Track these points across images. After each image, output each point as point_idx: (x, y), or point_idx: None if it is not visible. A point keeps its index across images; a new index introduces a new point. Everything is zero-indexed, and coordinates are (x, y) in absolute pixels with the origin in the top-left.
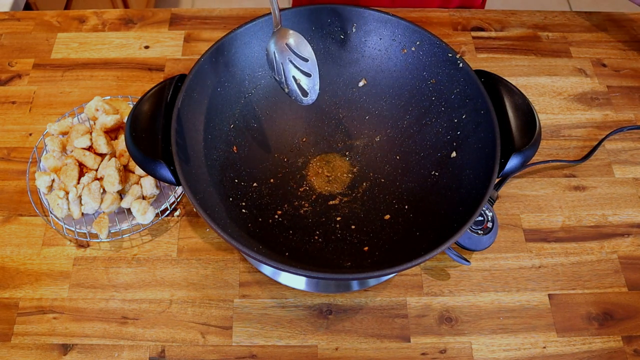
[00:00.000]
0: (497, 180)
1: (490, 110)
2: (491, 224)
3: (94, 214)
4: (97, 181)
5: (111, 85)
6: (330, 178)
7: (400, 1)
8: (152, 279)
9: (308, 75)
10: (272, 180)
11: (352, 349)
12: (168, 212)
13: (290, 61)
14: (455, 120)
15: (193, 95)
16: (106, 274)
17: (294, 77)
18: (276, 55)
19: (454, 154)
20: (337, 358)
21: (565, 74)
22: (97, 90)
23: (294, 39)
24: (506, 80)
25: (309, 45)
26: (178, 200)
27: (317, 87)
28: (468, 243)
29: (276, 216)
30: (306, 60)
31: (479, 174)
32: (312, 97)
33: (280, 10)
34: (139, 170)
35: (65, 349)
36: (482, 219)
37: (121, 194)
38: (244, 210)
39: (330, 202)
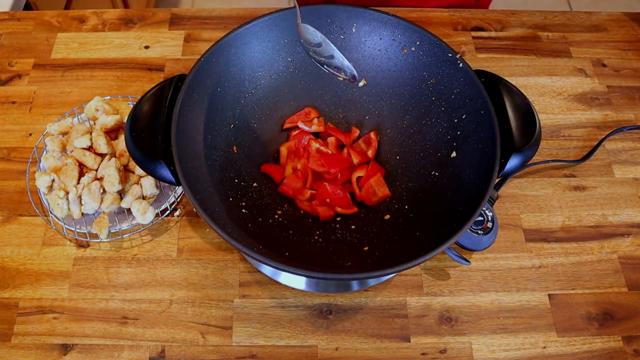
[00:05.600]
0: (497, 180)
1: (490, 110)
2: (491, 224)
3: (94, 214)
4: (97, 181)
5: (111, 85)
6: None
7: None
8: (152, 279)
9: (330, 57)
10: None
11: (352, 349)
12: (168, 212)
13: (310, 53)
14: (455, 120)
15: (193, 95)
16: (106, 274)
17: (323, 63)
18: (306, 52)
19: (454, 154)
20: (337, 358)
21: (565, 74)
22: (97, 90)
23: (304, 32)
24: (506, 80)
25: (316, 31)
26: (178, 200)
27: (346, 62)
28: (468, 243)
29: (276, 216)
30: (320, 45)
31: (479, 174)
32: (348, 73)
33: (281, 10)
34: (139, 170)
35: (65, 349)
36: (482, 219)
37: (121, 194)
38: (244, 210)
39: None
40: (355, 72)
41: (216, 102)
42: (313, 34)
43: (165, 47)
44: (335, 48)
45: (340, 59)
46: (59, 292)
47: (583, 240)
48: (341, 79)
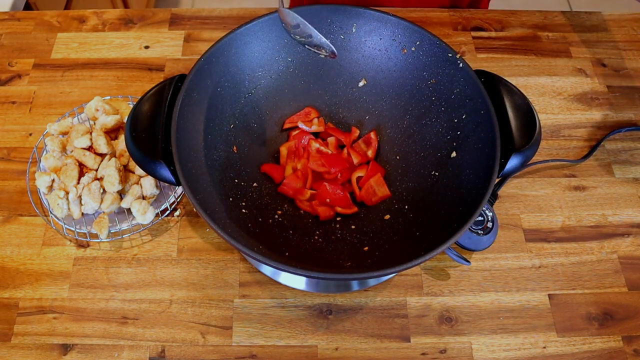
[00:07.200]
0: (497, 180)
1: (490, 110)
2: (491, 224)
3: (94, 214)
4: (97, 181)
5: (111, 85)
6: None
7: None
8: (152, 279)
9: (309, 36)
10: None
11: (352, 349)
12: (168, 212)
13: (292, 35)
14: (455, 120)
15: (193, 95)
16: (106, 274)
17: (304, 43)
18: (289, 34)
19: (454, 154)
20: (337, 358)
21: (565, 74)
22: (97, 90)
23: (284, 16)
24: (506, 80)
25: (294, 14)
26: (178, 200)
27: (323, 39)
28: (468, 243)
29: (276, 216)
30: (298, 26)
31: (479, 174)
32: (327, 49)
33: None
34: (139, 170)
35: (65, 349)
36: (482, 219)
37: (121, 194)
38: (244, 210)
39: None
40: (333, 48)
41: (216, 102)
42: (292, 16)
43: (165, 47)
44: (312, 28)
45: (318, 37)
46: (59, 292)
47: (583, 240)
48: (322, 55)
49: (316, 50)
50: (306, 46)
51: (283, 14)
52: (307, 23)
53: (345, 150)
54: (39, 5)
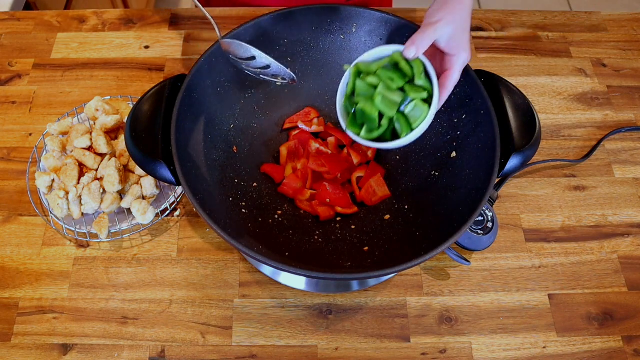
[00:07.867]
0: (497, 180)
1: (490, 110)
2: (491, 224)
3: (94, 214)
4: (97, 181)
5: (111, 85)
6: None
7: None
8: (152, 279)
9: (267, 67)
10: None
11: (352, 349)
12: (168, 212)
13: (243, 66)
14: (455, 120)
15: (193, 95)
16: (106, 274)
17: (258, 74)
18: (237, 66)
19: (454, 154)
20: (337, 358)
21: (565, 74)
22: (97, 90)
23: (233, 49)
24: (506, 80)
25: (246, 45)
26: (178, 200)
27: (282, 68)
28: (468, 243)
29: (276, 216)
30: (253, 58)
31: (479, 174)
32: (287, 77)
33: (280, 10)
34: (139, 170)
35: (65, 349)
36: (482, 219)
37: (121, 194)
38: (244, 210)
39: None
40: (293, 75)
41: (216, 102)
42: (242, 48)
43: (165, 47)
44: (269, 57)
45: (276, 66)
46: (59, 292)
47: (583, 240)
48: (279, 83)
49: (272, 79)
50: (260, 76)
51: (232, 47)
52: (262, 53)
53: (345, 150)
54: (39, 5)
